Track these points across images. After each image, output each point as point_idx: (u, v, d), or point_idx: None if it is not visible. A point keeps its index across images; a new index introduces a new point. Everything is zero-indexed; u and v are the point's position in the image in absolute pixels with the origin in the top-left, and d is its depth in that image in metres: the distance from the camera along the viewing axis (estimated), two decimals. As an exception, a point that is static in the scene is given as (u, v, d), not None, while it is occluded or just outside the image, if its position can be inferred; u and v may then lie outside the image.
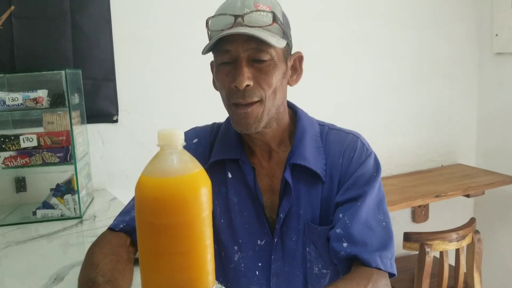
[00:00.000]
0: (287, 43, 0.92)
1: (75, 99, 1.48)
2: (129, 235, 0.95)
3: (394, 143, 2.47)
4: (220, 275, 1.02)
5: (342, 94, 2.30)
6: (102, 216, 1.45)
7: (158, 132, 0.56)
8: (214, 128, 1.07)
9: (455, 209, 2.61)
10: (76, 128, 1.44)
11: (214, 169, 1.00)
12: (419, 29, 2.45)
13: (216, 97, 2.10)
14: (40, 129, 1.41)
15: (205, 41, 2.05)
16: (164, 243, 0.54)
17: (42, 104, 1.37)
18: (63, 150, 1.38)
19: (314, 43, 2.17)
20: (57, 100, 1.38)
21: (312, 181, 0.96)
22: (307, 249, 0.97)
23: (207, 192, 0.56)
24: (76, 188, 1.41)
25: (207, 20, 0.92)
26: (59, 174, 1.49)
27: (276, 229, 0.96)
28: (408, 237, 1.91)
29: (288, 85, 0.97)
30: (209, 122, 1.97)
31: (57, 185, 1.43)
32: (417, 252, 1.89)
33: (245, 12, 0.85)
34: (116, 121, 1.77)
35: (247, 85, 0.87)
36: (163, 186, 0.54)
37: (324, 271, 0.97)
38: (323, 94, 2.24)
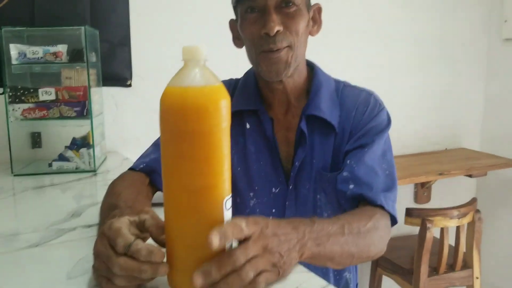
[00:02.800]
0: None
1: (93, 57, 1.52)
2: (149, 175, 1.00)
3: (401, 125, 2.51)
4: None
5: (351, 74, 2.32)
6: (116, 171, 1.49)
7: (183, 47, 0.58)
8: (233, 82, 1.10)
9: (458, 189, 2.64)
10: (93, 87, 1.48)
11: (232, 119, 1.03)
12: (428, 14, 2.48)
13: (230, 64, 2.14)
14: (58, 84, 1.45)
15: (221, 11, 2.08)
16: (186, 149, 0.57)
17: (61, 59, 1.41)
18: (80, 105, 1.43)
19: (325, 24, 2.19)
20: (76, 56, 1.42)
21: (326, 131, 1.00)
22: (318, 196, 1.01)
23: (226, 104, 0.59)
24: (91, 143, 1.45)
25: None
26: (74, 129, 1.54)
27: (291, 177, 1.00)
28: (410, 212, 1.95)
29: (310, 35, 1.00)
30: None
31: (73, 138, 1.48)
32: (418, 231, 1.93)
33: None
34: (130, 85, 1.81)
35: (277, 31, 0.88)
36: (187, 95, 0.57)
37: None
38: (337, 69, 2.27)
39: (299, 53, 0.94)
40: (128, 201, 0.83)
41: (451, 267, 2.03)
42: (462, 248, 2.00)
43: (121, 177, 0.99)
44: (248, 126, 1.03)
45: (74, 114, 1.43)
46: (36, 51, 1.39)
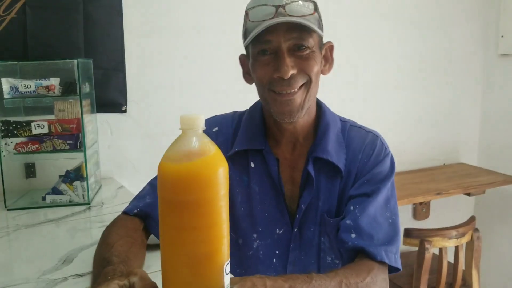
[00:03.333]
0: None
1: (86, 88, 1.51)
2: (143, 220, 0.99)
3: (398, 141, 2.50)
4: (236, 261, 1.04)
5: (347, 92, 2.32)
6: (110, 203, 1.48)
7: (181, 116, 0.59)
8: (236, 117, 1.09)
9: (456, 207, 2.64)
10: (86, 116, 1.47)
11: (236, 158, 1.02)
12: (425, 29, 2.47)
13: (224, 91, 2.13)
14: (51, 117, 1.44)
15: (214, 35, 2.08)
16: (186, 219, 0.58)
17: (54, 92, 1.40)
18: (73, 138, 1.42)
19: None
20: (69, 88, 1.41)
21: (332, 174, 0.98)
22: (322, 239, 0.99)
23: (224, 172, 0.60)
24: (85, 175, 1.44)
25: (246, 11, 0.92)
26: (68, 161, 1.52)
27: (296, 219, 0.99)
28: (408, 233, 1.94)
29: (322, 74, 0.99)
30: (212, 113, 2.00)
31: (67, 171, 1.46)
32: (417, 249, 1.93)
33: (285, 2, 0.86)
34: (125, 111, 1.80)
35: (292, 74, 0.88)
36: (186, 167, 0.58)
37: (337, 261, 1.00)
38: (327, 93, 2.26)
39: (312, 93, 0.94)
40: (121, 254, 0.82)
41: (451, 286, 2.02)
42: (461, 266, 1.99)
43: (115, 224, 0.97)
44: (252, 165, 1.02)
45: (67, 147, 1.42)
46: (28, 85, 1.37)
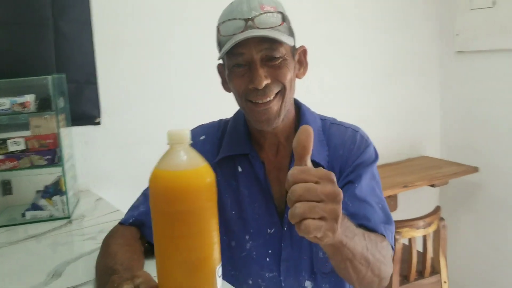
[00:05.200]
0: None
1: (61, 102, 1.52)
2: (139, 228, 1.03)
3: (364, 138, 2.59)
4: (230, 263, 1.07)
5: (313, 93, 2.40)
6: (90, 215, 1.50)
7: (168, 131, 0.62)
8: (221, 125, 1.13)
9: (422, 198, 2.75)
10: (62, 131, 1.48)
11: (224, 163, 1.06)
12: (386, 30, 2.58)
13: (197, 100, 2.16)
14: (27, 133, 1.45)
15: (185, 44, 2.11)
16: (177, 228, 0.62)
17: (29, 108, 1.41)
18: (50, 153, 1.43)
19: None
20: (44, 104, 1.42)
21: None
22: None
23: (212, 183, 0.64)
24: (64, 189, 1.45)
25: (217, 26, 0.96)
26: (45, 176, 1.53)
27: (285, 218, 1.02)
28: (379, 226, 2.03)
29: (296, 78, 1.03)
30: (190, 125, 2.03)
31: (46, 186, 1.48)
32: (388, 240, 2.02)
33: (254, 15, 0.89)
34: (99, 123, 1.82)
35: (266, 84, 0.92)
36: (177, 179, 0.61)
37: None
38: (298, 94, 2.33)
39: (288, 99, 0.98)
40: (124, 263, 0.86)
41: (421, 274, 2.12)
42: (430, 255, 2.09)
43: (113, 234, 1.01)
44: (240, 169, 1.05)
45: (45, 163, 1.43)
46: (3, 103, 1.38)
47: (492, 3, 2.43)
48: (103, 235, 1.28)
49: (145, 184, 1.84)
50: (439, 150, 2.89)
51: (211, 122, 1.16)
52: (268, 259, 1.05)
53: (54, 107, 1.42)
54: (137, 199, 1.10)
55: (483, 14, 2.48)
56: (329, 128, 1.08)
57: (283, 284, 1.04)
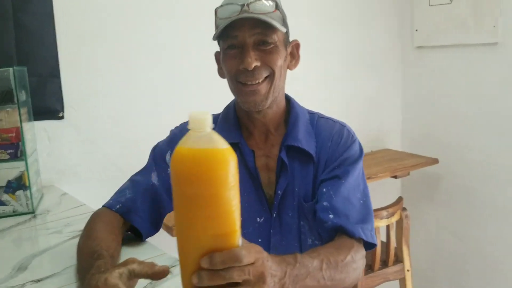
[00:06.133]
0: (286, 31, 1.03)
1: (22, 96, 1.49)
2: (124, 216, 1.04)
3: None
4: None
5: (291, 87, 2.43)
6: (55, 210, 1.48)
7: (190, 115, 0.61)
8: (214, 117, 1.14)
9: (385, 189, 2.83)
10: (25, 125, 1.45)
11: None
12: (348, 26, 2.63)
13: (160, 93, 2.15)
14: (-13, 127, 1.41)
15: (153, 37, 2.10)
16: (199, 209, 0.61)
17: (-11, 102, 1.37)
18: (13, 147, 1.40)
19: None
20: (6, 97, 1.39)
21: (305, 160, 1.07)
22: (301, 223, 1.07)
23: (236, 164, 0.63)
24: (27, 184, 1.43)
25: (215, 9, 1.01)
26: (7, 171, 1.49)
27: (274, 205, 1.06)
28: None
29: (288, 69, 1.09)
30: (156, 119, 2.03)
31: (8, 181, 1.44)
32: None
33: (250, 1, 0.95)
34: (62, 117, 1.78)
35: (255, 66, 0.97)
36: (198, 160, 0.60)
37: (317, 242, 1.08)
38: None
39: (276, 85, 1.02)
40: (110, 249, 0.88)
41: (385, 263, 2.17)
42: (393, 244, 2.16)
43: (99, 218, 1.02)
44: None
45: (7, 157, 1.40)
46: (-38, 96, 1.34)
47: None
48: (69, 229, 1.28)
49: (112, 178, 1.85)
50: (401, 142, 2.98)
51: None
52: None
53: (16, 100, 1.39)
54: (124, 184, 1.11)
55: (441, 10, 2.58)
56: (317, 121, 1.13)
57: None
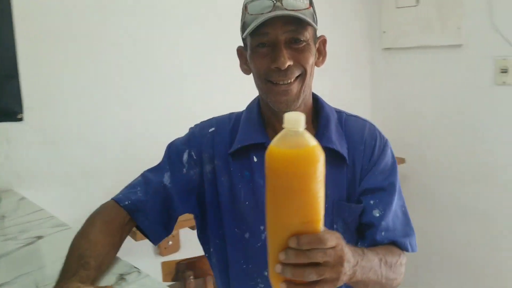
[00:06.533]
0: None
1: (-23, 97, 1.44)
2: (130, 214, 1.02)
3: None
4: (242, 257, 1.06)
5: (242, 85, 2.42)
6: (11, 215, 1.42)
7: (286, 115, 0.67)
8: (233, 117, 1.13)
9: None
10: (-21, 127, 1.40)
11: (237, 154, 1.06)
12: (320, 26, 2.64)
13: (130, 93, 2.10)
14: None
15: (118, 35, 2.04)
16: (291, 199, 0.69)
17: None
18: (-34, 150, 1.34)
19: (192, 45, 2.26)
20: (-43, 99, 1.33)
21: (338, 163, 1.03)
22: (335, 226, 1.04)
23: (323, 161, 0.69)
24: (-18, 189, 1.37)
25: (245, 4, 0.96)
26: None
27: None
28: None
29: (316, 66, 1.05)
30: (124, 121, 1.99)
31: (-39, 186, 1.38)
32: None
33: None
34: (21, 119, 1.72)
35: (288, 65, 0.93)
36: (293, 158, 0.68)
37: (350, 244, 1.08)
38: (227, 85, 2.34)
39: (307, 84, 0.99)
40: (99, 258, 0.89)
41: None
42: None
43: (101, 215, 1.00)
44: (255, 159, 1.05)
45: (-40, 161, 1.34)
46: None
47: (415, 1, 2.57)
48: (24, 235, 1.23)
49: (74, 182, 1.80)
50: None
51: (221, 115, 1.15)
52: None
53: (-31, 102, 1.34)
54: (136, 179, 1.09)
55: (408, 12, 2.61)
56: (346, 121, 1.11)
57: None
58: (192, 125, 1.17)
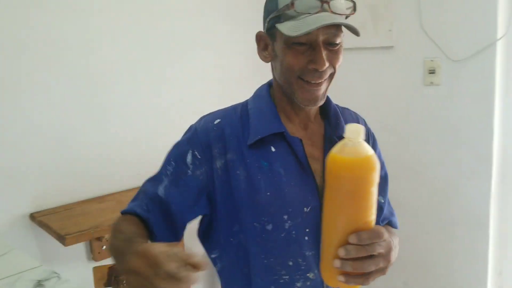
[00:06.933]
0: None
1: None
2: (149, 228, 1.00)
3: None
4: (263, 251, 1.04)
5: (186, 88, 2.39)
6: None
7: (348, 126, 0.77)
8: (238, 108, 1.10)
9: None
10: None
11: (252, 146, 1.03)
12: (252, 25, 2.64)
13: (49, 91, 2.01)
14: None
15: (33, 31, 1.94)
16: (352, 201, 0.78)
17: None
18: None
19: (157, 40, 2.21)
20: None
21: None
22: None
23: (379, 167, 0.79)
24: None
25: (293, 1, 0.93)
26: None
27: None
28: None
29: None
30: (37, 118, 1.89)
31: None
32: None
33: None
34: None
35: (326, 66, 0.95)
36: (356, 166, 0.77)
37: None
38: (170, 88, 2.30)
39: (331, 83, 1.03)
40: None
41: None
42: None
43: (124, 221, 1.00)
44: (273, 149, 1.03)
45: None
46: None
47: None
48: None
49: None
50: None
51: (223, 108, 1.13)
52: (306, 238, 1.04)
53: None
54: (150, 187, 1.06)
55: (343, 14, 2.67)
56: (342, 112, 1.18)
57: None
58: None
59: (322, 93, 1.01)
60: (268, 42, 1.05)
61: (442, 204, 2.41)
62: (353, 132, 0.76)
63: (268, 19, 1.01)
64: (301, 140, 1.05)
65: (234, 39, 2.54)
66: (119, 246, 0.86)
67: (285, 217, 1.03)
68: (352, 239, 0.76)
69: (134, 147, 2.16)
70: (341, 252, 0.76)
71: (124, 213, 1.03)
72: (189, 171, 1.03)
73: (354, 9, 0.98)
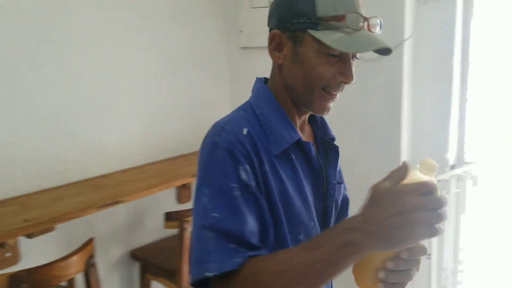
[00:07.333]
0: None
1: None
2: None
3: (157, 130, 2.59)
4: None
5: (105, 84, 2.30)
6: None
7: (425, 160, 0.79)
8: (249, 115, 1.00)
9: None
10: None
11: (278, 156, 0.96)
12: (177, 23, 2.61)
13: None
14: None
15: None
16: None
17: None
18: None
19: (64, 35, 2.11)
20: None
21: (336, 150, 1.12)
22: (334, 205, 1.11)
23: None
24: None
25: (344, 14, 0.90)
26: None
27: (331, 194, 1.07)
28: (169, 216, 2.04)
29: None
30: None
31: None
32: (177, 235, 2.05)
33: (371, 15, 0.93)
34: None
35: None
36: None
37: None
38: (83, 87, 2.20)
39: None
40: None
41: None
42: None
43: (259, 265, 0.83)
44: (293, 156, 1.00)
45: None
46: None
47: (268, 2, 2.66)
48: None
49: None
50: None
51: (237, 113, 1.01)
52: None
53: None
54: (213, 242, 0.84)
55: (262, 12, 2.69)
56: None
57: None
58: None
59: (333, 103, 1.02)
60: (285, 43, 0.97)
61: (358, 198, 2.50)
62: (429, 168, 0.80)
63: (294, 21, 0.94)
64: (313, 145, 1.03)
65: (142, 33, 2.49)
66: (331, 251, 0.76)
67: (312, 223, 1.01)
68: (404, 254, 0.78)
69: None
70: (390, 265, 0.78)
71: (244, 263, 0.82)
72: (251, 189, 0.89)
73: (381, 27, 0.97)
